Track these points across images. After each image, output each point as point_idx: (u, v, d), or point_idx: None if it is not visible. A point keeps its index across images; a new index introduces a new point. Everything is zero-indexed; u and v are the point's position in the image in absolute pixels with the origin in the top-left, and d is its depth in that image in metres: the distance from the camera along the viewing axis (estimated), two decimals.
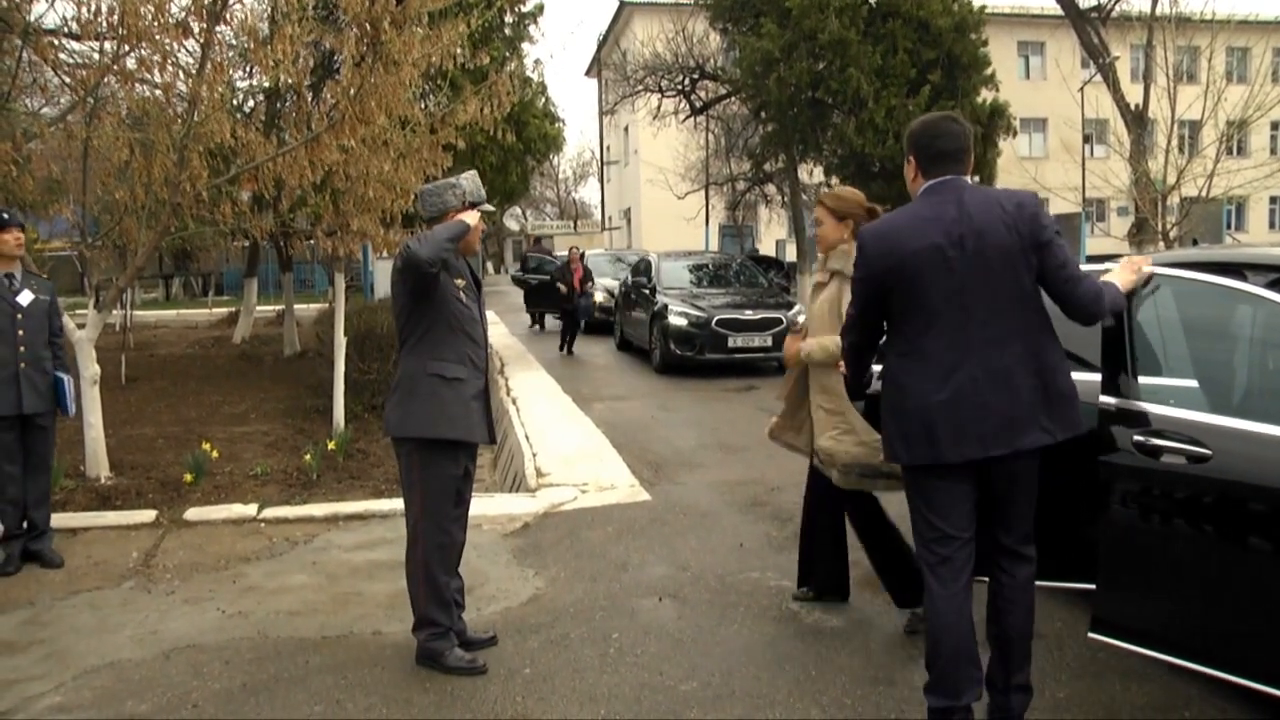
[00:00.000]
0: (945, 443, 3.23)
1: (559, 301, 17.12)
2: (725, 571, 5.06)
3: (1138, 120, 21.60)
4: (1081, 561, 3.99)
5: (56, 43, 8.13)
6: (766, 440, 4.94)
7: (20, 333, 5.72)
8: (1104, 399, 3.64)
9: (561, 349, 16.40)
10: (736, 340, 13.24)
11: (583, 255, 17.93)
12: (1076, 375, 3.58)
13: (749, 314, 13.51)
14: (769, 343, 13.18)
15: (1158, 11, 20.77)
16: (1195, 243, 19.03)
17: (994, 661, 3.52)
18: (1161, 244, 18.48)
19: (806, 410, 4.58)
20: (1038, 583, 3.61)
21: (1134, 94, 22.05)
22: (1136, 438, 3.49)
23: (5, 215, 5.77)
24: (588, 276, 17.28)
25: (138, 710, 3.96)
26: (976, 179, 16.41)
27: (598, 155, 50.36)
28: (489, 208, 4.50)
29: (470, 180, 4.37)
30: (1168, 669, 4.07)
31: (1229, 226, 27.51)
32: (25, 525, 5.78)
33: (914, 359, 3.30)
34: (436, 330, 4.22)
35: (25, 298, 5.79)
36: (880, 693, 3.96)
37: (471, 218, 4.24)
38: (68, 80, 8.04)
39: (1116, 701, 3.85)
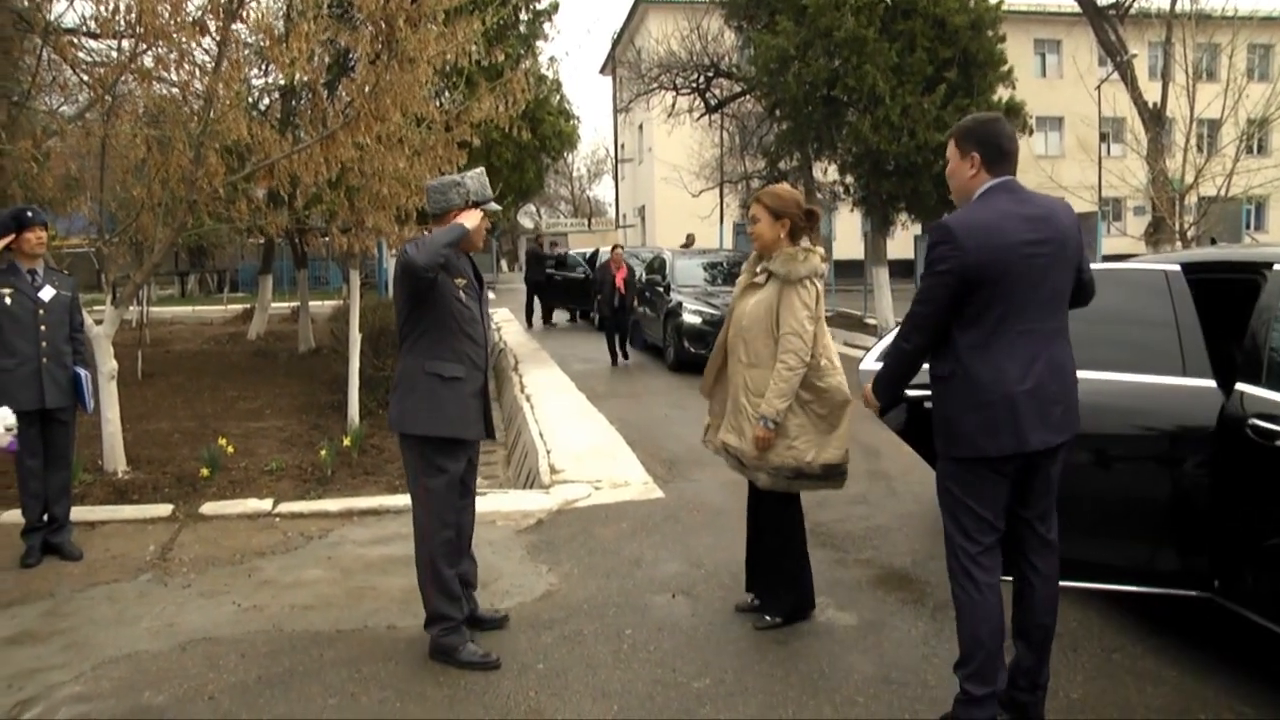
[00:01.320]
0: (1028, 431, 3.34)
1: (594, 303, 15.52)
2: (738, 569, 5.05)
3: (1155, 119, 21.45)
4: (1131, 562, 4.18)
5: (75, 41, 8.20)
6: None
7: (42, 328, 5.78)
8: (1242, 387, 3.95)
9: (614, 361, 14.90)
10: None
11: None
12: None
13: None
14: None
15: (1177, 8, 20.62)
16: (1214, 242, 18.90)
17: (1025, 658, 3.56)
18: (1179, 243, 18.37)
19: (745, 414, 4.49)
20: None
21: (1152, 92, 21.89)
22: (1254, 422, 3.78)
23: (29, 213, 5.83)
24: (633, 279, 15.43)
25: (155, 701, 4.00)
26: None
27: (612, 153, 50.39)
28: (495, 206, 4.52)
29: (475, 179, 4.40)
30: (1183, 671, 4.08)
31: (1248, 226, 27.43)
32: (46, 518, 5.84)
33: (993, 351, 3.33)
34: (436, 329, 4.27)
35: (47, 293, 5.85)
36: (893, 692, 3.97)
37: (471, 219, 4.24)
38: (86, 78, 8.09)
39: (1131, 703, 3.85)
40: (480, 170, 4.55)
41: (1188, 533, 4.05)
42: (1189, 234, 18.62)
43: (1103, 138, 27.86)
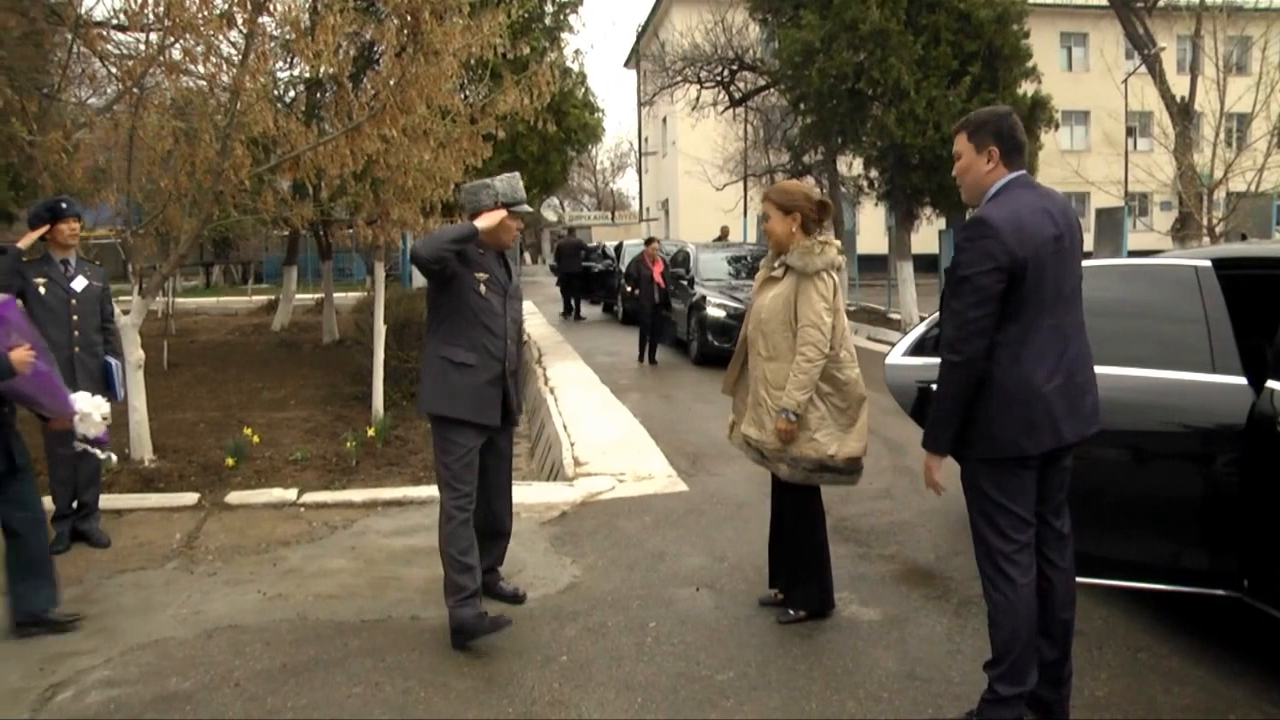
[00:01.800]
0: (1063, 426, 3.33)
1: (616, 297, 14.66)
2: (762, 563, 5.04)
3: (1184, 113, 21.22)
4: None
5: (105, 34, 8.22)
6: None
7: (74, 318, 5.85)
8: (1273, 385, 3.91)
9: (641, 359, 14.34)
10: None
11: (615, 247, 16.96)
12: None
13: None
14: None
15: (1207, 1, 20.39)
16: (1244, 238, 18.73)
17: (1047, 654, 3.52)
18: (1206, 239, 18.20)
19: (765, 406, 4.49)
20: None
21: (1180, 86, 21.65)
22: None
23: (64, 205, 5.90)
24: (669, 274, 14.73)
25: (181, 687, 4.03)
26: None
27: (636, 146, 50.36)
28: (526, 208, 4.71)
29: (505, 181, 4.63)
30: (1209, 671, 4.04)
31: (1278, 222, 27.09)
32: (75, 505, 5.90)
33: (1028, 348, 3.30)
34: (453, 320, 4.54)
35: (79, 284, 5.92)
36: (917, 688, 3.95)
37: (487, 219, 4.45)
38: (115, 71, 8.13)
39: (1157, 703, 3.81)
40: (513, 174, 4.75)
41: (1217, 532, 4.02)
42: (1217, 230, 18.45)
43: (1129, 132, 27.63)
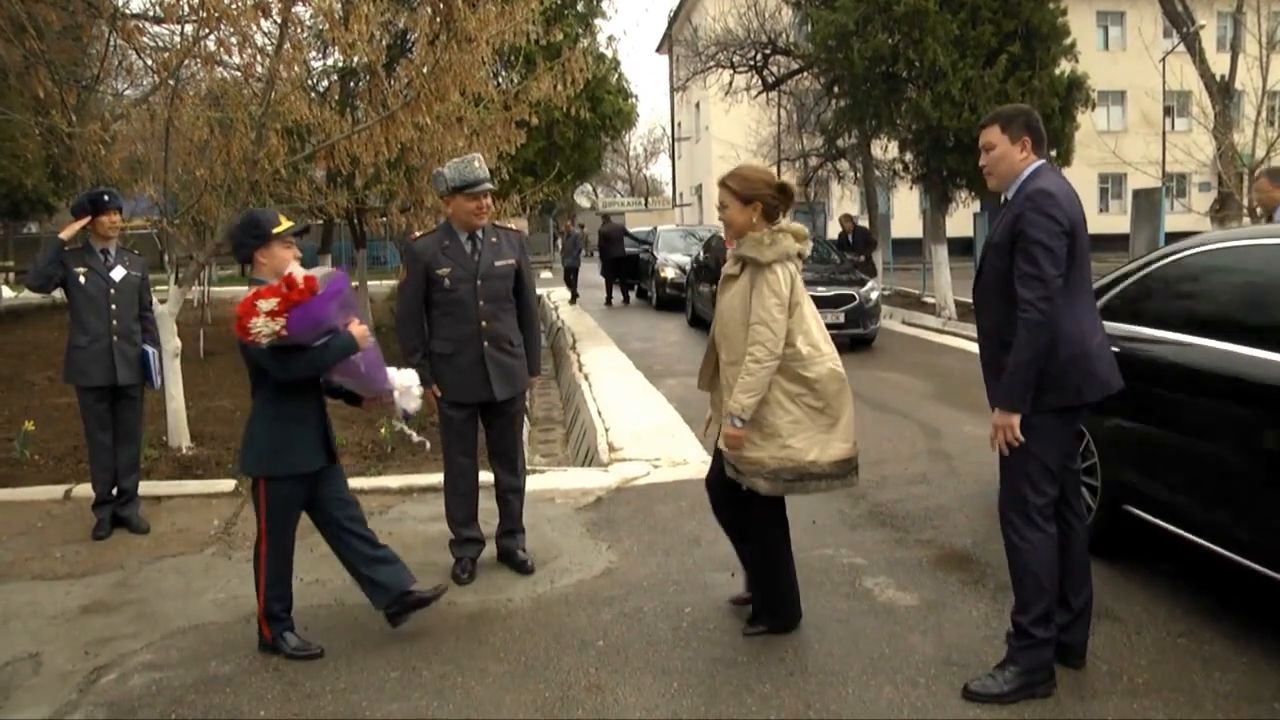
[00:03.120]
0: (1111, 376, 3.73)
1: (651, 284, 13.13)
2: (798, 549, 5.00)
3: (1224, 92, 20.84)
4: None
5: (141, 26, 8.30)
6: None
7: (113, 307, 5.92)
8: None
9: None
10: None
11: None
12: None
13: (821, 290, 13.24)
14: (840, 319, 13.04)
15: None
16: None
17: (1073, 596, 3.85)
18: (1246, 220, 17.91)
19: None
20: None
21: (1220, 64, 21.27)
22: None
23: (106, 197, 5.97)
24: None
25: (221, 671, 4.09)
26: (1054, 153, 16.02)
27: (669, 132, 50.26)
28: (487, 186, 4.89)
29: (453, 167, 4.87)
30: (1254, 656, 3.98)
31: None
32: (115, 491, 5.97)
33: (1078, 305, 3.67)
34: (432, 315, 4.97)
35: (118, 273, 5.99)
36: (954, 673, 3.92)
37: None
38: (151, 63, 8.20)
39: (1199, 690, 3.75)
40: (466, 157, 4.93)
41: None
42: (1258, 210, 18.14)
43: (1167, 112, 27.21)
